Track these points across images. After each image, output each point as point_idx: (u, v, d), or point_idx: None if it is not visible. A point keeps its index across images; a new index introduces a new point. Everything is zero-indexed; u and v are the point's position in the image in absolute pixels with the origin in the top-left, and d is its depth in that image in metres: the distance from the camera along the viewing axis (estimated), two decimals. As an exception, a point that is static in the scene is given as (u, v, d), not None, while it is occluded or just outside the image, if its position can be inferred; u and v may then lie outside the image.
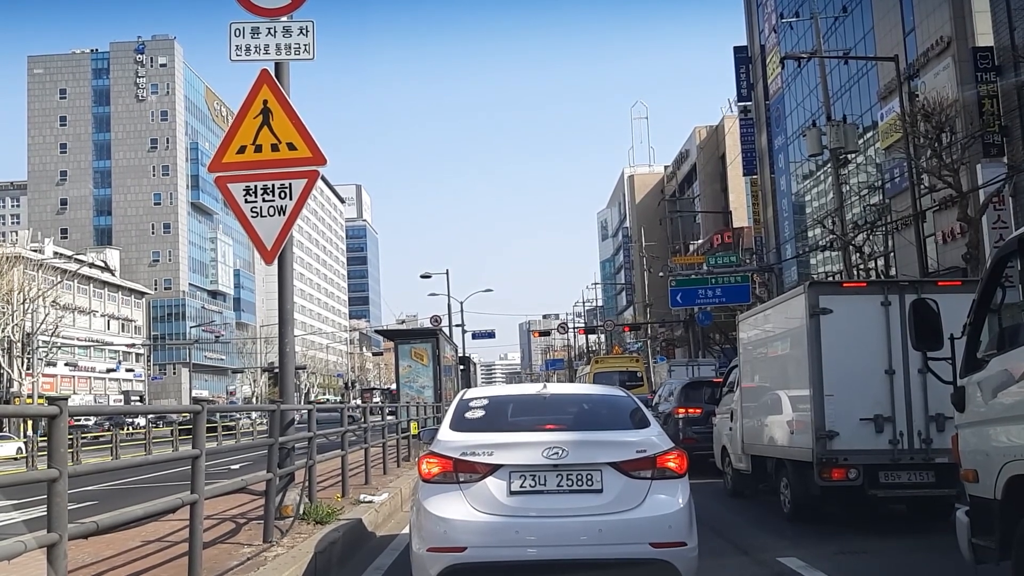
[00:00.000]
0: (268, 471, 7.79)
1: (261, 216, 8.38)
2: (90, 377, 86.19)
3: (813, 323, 9.48)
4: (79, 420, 49.68)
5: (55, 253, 78.12)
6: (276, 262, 8.73)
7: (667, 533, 5.33)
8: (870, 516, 10.23)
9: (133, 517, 5.55)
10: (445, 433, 5.88)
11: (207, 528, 7.91)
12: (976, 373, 5.51)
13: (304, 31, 8.69)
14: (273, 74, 8.67)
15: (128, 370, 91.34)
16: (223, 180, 8.52)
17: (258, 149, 8.40)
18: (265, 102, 8.43)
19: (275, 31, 8.67)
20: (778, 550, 8.29)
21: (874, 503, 9.88)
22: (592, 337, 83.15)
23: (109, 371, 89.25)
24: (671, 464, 5.51)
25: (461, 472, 5.45)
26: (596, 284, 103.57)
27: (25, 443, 36.06)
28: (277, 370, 9.46)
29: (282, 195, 8.36)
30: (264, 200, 8.37)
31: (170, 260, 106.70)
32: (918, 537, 9.24)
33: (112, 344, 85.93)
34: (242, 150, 8.43)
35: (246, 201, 8.39)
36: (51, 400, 4.17)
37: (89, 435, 41.21)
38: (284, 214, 8.37)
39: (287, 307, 9.02)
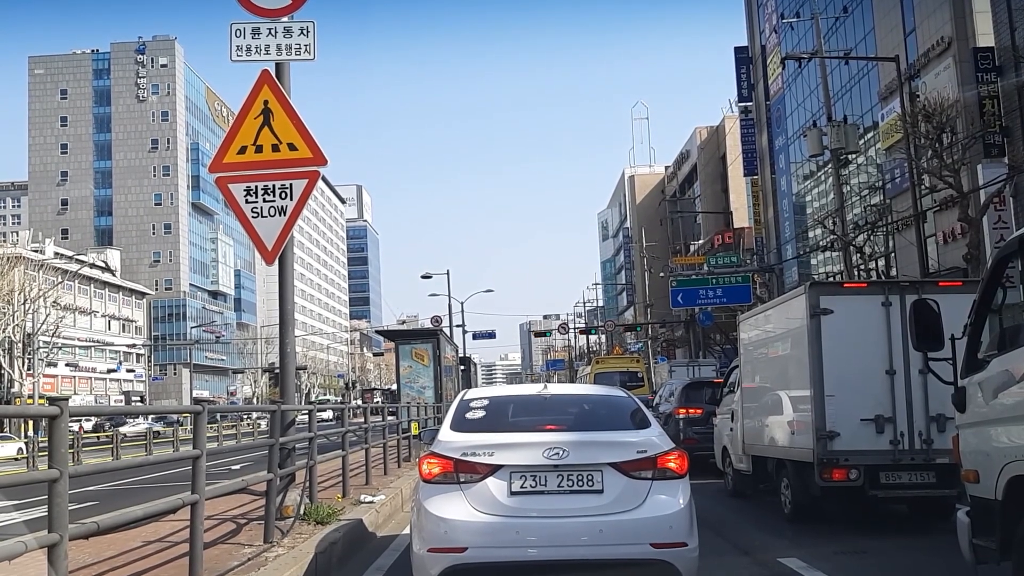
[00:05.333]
0: (269, 471, 7.79)
1: (262, 216, 8.39)
2: (91, 377, 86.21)
3: (814, 323, 9.47)
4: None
5: (56, 253, 78.17)
6: (277, 262, 8.74)
7: (668, 533, 5.33)
8: (871, 516, 10.23)
9: (134, 517, 5.55)
10: (446, 433, 5.88)
11: (208, 528, 7.91)
12: (977, 373, 5.50)
13: (305, 31, 8.70)
14: (274, 74, 8.68)
15: (129, 370, 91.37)
16: (224, 180, 8.53)
17: (259, 149, 8.42)
18: (266, 102, 8.44)
19: (276, 31, 8.68)
20: (779, 550, 8.30)
21: (875, 503, 9.87)
22: (593, 337, 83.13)
23: (110, 371, 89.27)
24: (672, 464, 5.51)
25: (462, 472, 5.45)
26: (597, 284, 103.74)
27: (26, 443, 36.08)
28: (278, 370, 9.46)
29: (283, 195, 8.36)
30: (265, 200, 8.38)
31: (171, 260, 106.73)
32: (919, 537, 9.24)
33: (113, 344, 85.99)
34: (243, 150, 8.44)
35: (247, 201, 8.40)
36: (52, 400, 4.17)
37: (94, 435, 41.23)
38: (285, 214, 8.38)
39: (288, 307, 9.02)
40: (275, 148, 8.40)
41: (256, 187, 8.40)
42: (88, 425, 49.93)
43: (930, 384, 8.94)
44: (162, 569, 6.52)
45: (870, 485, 9.26)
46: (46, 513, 4.11)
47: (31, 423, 47.66)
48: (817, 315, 9.47)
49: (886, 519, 10.34)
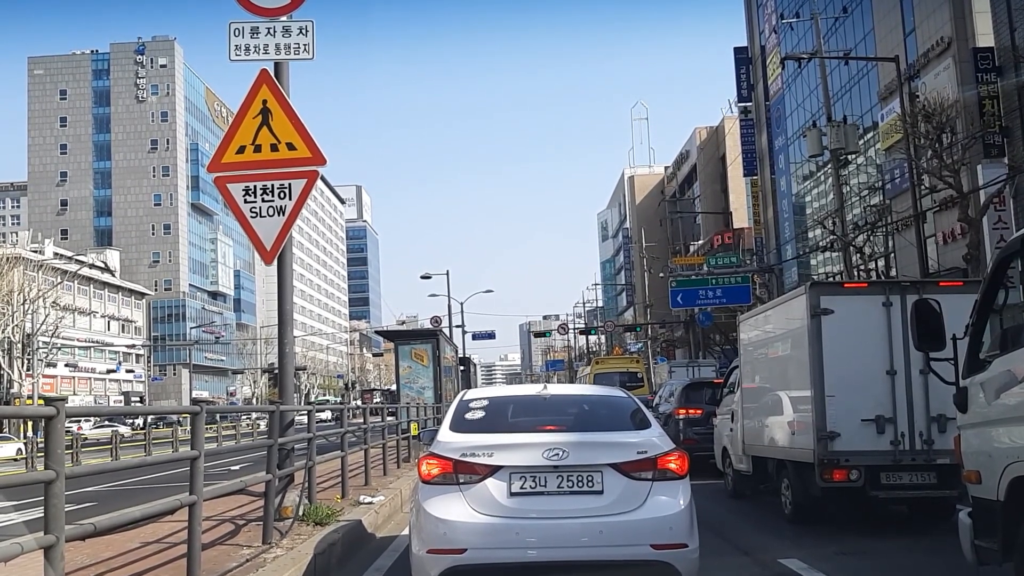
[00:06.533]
0: (267, 472, 7.76)
1: (260, 216, 8.36)
2: (90, 378, 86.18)
3: (814, 323, 9.44)
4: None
5: (55, 254, 78.14)
6: (275, 263, 8.71)
7: (668, 535, 5.30)
8: (871, 517, 10.20)
9: (131, 519, 5.52)
10: (445, 434, 5.85)
11: (206, 529, 7.89)
12: (979, 374, 5.48)
13: (304, 31, 8.67)
14: (272, 74, 8.65)
15: (128, 371, 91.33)
16: (222, 180, 8.50)
17: (257, 149, 8.38)
18: (264, 102, 8.41)
19: (274, 31, 8.65)
20: (779, 551, 8.28)
21: (875, 504, 9.84)
22: (592, 338, 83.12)
23: (109, 372, 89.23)
24: (672, 465, 5.49)
25: (461, 473, 5.42)
26: (596, 285, 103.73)
27: (25, 444, 36.04)
28: (277, 371, 9.43)
29: (281, 195, 8.33)
30: (263, 200, 8.35)
31: (170, 261, 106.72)
32: (919, 538, 9.21)
33: (112, 345, 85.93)
34: (241, 150, 8.41)
35: (245, 201, 8.37)
36: (48, 401, 4.14)
37: (91, 436, 41.24)
38: (283, 214, 8.35)
39: (286, 308, 8.99)
40: (274, 148, 8.36)
41: (255, 187, 8.37)
42: (87, 425, 49.96)
43: (931, 384, 8.92)
44: (160, 570, 6.49)
45: (871, 486, 9.23)
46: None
47: (30, 423, 47.59)
48: (818, 315, 9.43)
49: (887, 520, 10.31)
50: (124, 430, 47.66)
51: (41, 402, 41.82)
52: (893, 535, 9.49)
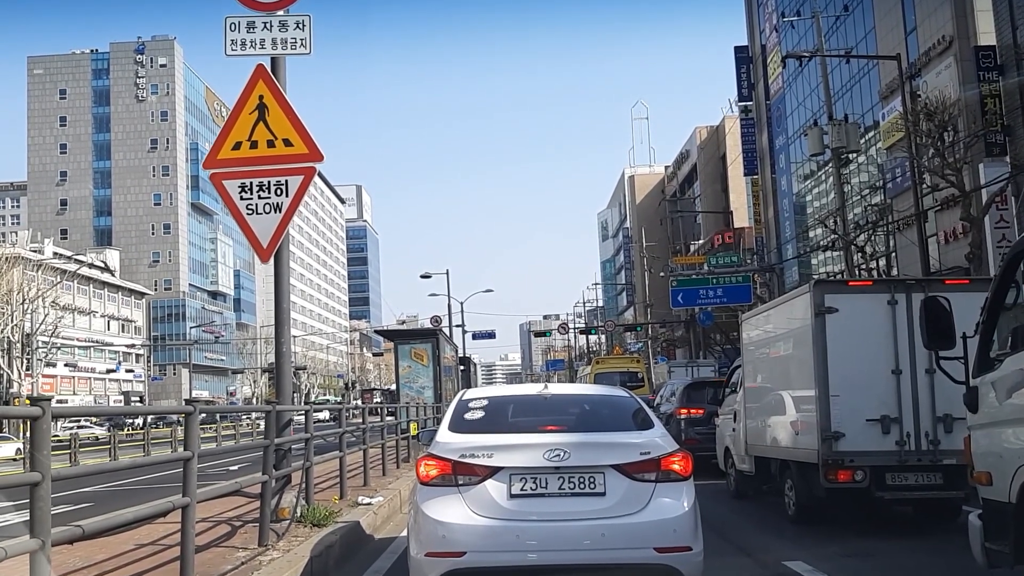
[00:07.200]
0: (264, 473, 7.65)
1: (257, 213, 8.26)
2: (90, 378, 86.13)
3: (818, 322, 9.33)
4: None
5: (55, 253, 78.03)
6: (272, 261, 8.60)
7: (672, 537, 5.20)
8: (875, 518, 10.10)
9: (122, 521, 5.41)
10: (444, 434, 5.74)
11: (202, 531, 7.79)
12: (989, 373, 5.38)
13: (301, 25, 8.56)
14: (269, 69, 8.55)
15: (128, 371, 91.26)
16: (218, 177, 8.39)
17: (254, 145, 8.28)
18: (261, 98, 8.31)
19: (271, 25, 8.54)
20: (783, 552, 8.19)
21: (880, 505, 9.73)
22: (593, 338, 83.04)
23: (109, 372, 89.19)
24: (675, 466, 5.38)
25: (460, 474, 5.32)
26: (597, 284, 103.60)
27: (24, 444, 35.93)
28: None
29: (278, 192, 8.23)
30: (260, 197, 8.24)
31: (170, 260, 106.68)
32: (924, 539, 9.11)
33: (112, 345, 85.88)
34: (237, 146, 8.30)
35: (241, 198, 8.27)
36: (34, 400, 4.02)
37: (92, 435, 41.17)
38: (280, 211, 8.24)
39: (284, 307, 8.89)
40: (270, 144, 8.25)
41: (251, 183, 8.26)
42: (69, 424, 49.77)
43: (937, 384, 8.81)
44: (153, 573, 6.39)
45: (876, 486, 9.12)
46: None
47: (29, 423, 47.42)
48: (822, 314, 9.32)
49: (891, 521, 10.21)
50: (100, 431, 47.40)
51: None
52: (897, 536, 9.38)
